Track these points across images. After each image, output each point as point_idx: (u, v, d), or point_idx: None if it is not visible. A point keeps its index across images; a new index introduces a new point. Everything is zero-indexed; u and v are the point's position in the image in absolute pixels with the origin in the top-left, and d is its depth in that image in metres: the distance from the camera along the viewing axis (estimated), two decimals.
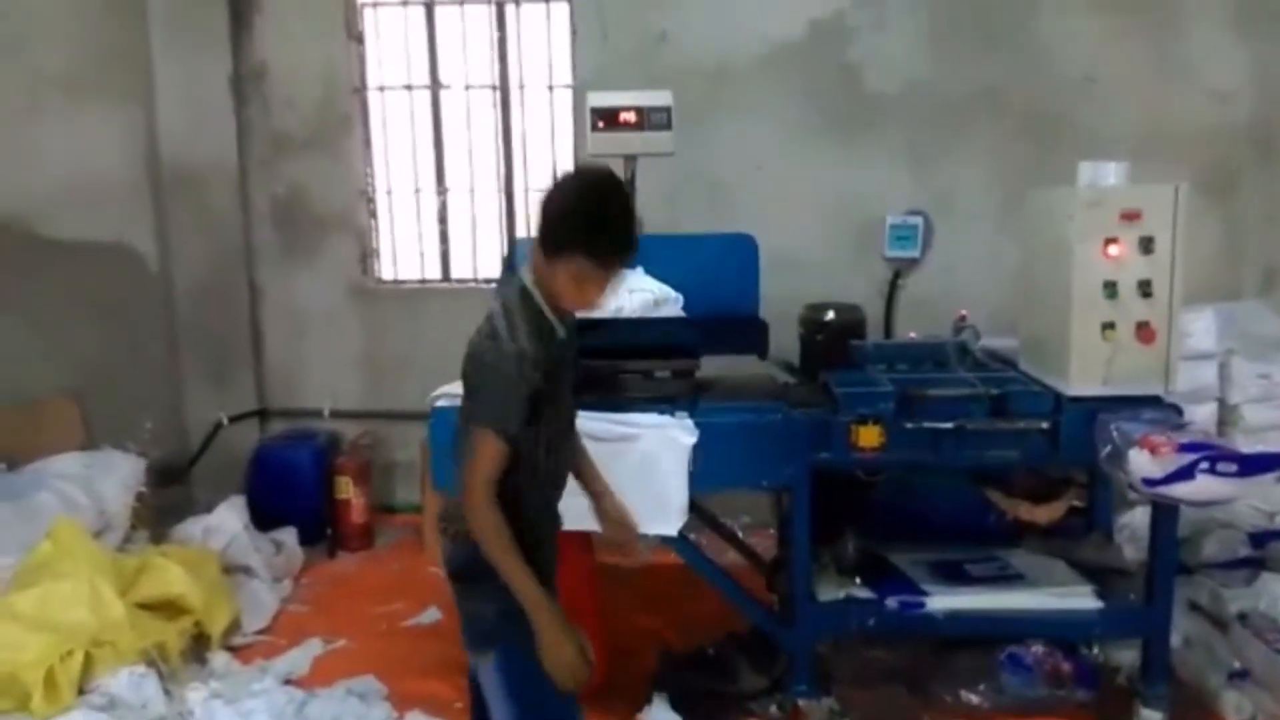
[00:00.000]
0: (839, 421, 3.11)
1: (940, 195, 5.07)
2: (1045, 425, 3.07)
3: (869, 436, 3.09)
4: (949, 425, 3.05)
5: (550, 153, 5.44)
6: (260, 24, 5.27)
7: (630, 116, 3.63)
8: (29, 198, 4.81)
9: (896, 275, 5.05)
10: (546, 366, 2.15)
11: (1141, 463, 2.72)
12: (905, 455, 3.12)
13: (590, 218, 2.13)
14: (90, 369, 4.90)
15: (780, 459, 3.14)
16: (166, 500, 4.83)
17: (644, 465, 3.13)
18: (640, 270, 3.44)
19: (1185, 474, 2.63)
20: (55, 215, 4.84)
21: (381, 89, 5.47)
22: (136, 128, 4.99)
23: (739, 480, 3.28)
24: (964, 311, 3.93)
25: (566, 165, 5.15)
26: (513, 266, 3.57)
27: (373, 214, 5.54)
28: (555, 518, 2.47)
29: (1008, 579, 3.35)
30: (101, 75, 4.89)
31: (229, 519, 4.36)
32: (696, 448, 3.12)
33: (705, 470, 3.14)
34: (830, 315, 3.91)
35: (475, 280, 5.51)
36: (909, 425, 3.07)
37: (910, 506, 3.60)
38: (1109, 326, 3.04)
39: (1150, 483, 2.68)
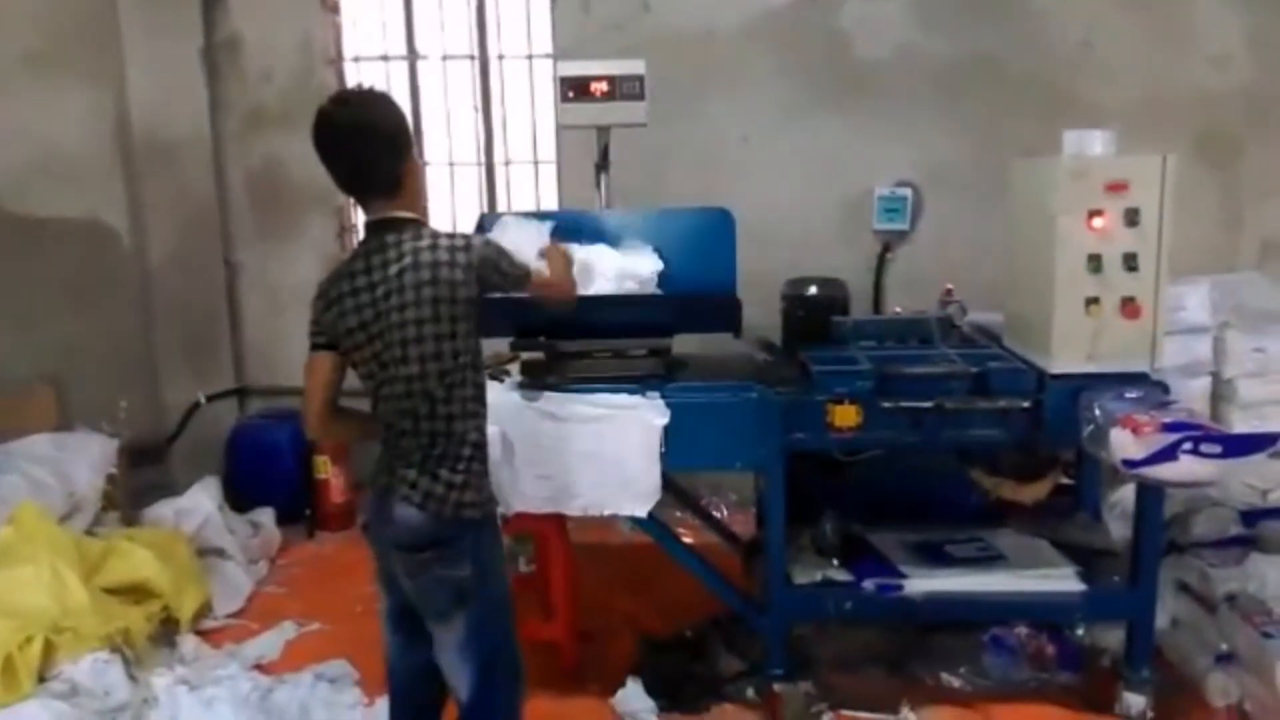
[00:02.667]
0: (814, 401, 3.02)
1: (931, 166, 4.94)
2: (1027, 404, 2.98)
3: (845, 416, 3.00)
4: (928, 404, 2.96)
5: (530, 124, 5.31)
6: None
7: (602, 86, 3.51)
8: None
9: (886, 249, 4.94)
10: None
11: (1123, 442, 2.63)
12: (883, 435, 3.04)
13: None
14: (64, 349, 4.83)
15: (754, 440, 3.05)
16: (143, 481, 4.78)
17: (615, 446, 3.06)
18: (604, 246, 3.33)
19: (1167, 454, 2.54)
20: (25, 193, 4.76)
21: (357, 60, 5.35)
22: (107, 103, 4.88)
23: (711, 462, 3.20)
24: (950, 286, 3.84)
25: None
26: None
27: None
28: None
29: (989, 560, 3.27)
30: (70, 50, 4.78)
31: (202, 500, 4.30)
32: (668, 428, 3.04)
33: (677, 451, 3.06)
34: (812, 290, 3.79)
35: None
36: (887, 405, 2.98)
37: (892, 486, 3.51)
38: (1093, 301, 2.94)
39: (1131, 464, 2.59)
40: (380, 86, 2.56)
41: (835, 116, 4.98)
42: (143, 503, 4.50)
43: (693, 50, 4.94)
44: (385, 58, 5.35)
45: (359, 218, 5.43)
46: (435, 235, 2.27)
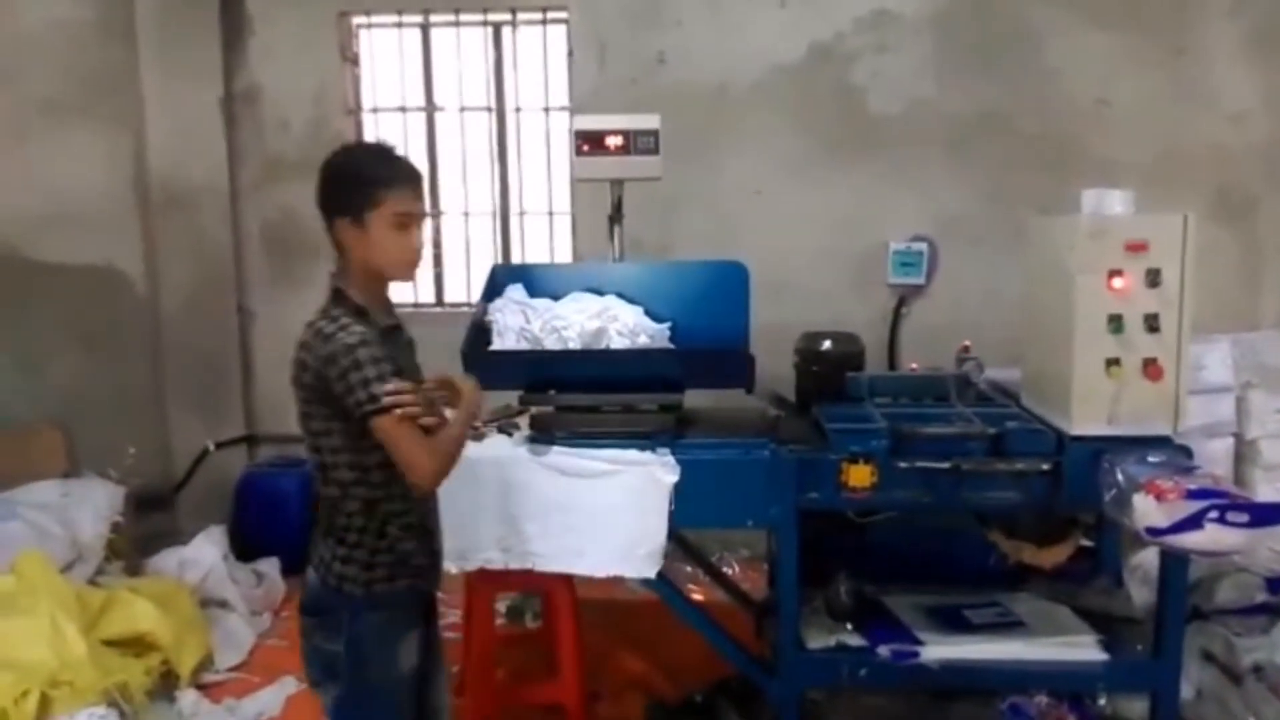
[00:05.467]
0: (828, 459, 2.96)
1: (946, 221, 4.93)
2: (1046, 466, 2.90)
3: (860, 476, 2.93)
4: (945, 465, 2.89)
5: (546, 176, 5.33)
6: (253, 45, 5.20)
7: (616, 140, 3.51)
8: (16, 222, 4.78)
9: (900, 303, 4.91)
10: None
11: (1147, 509, 2.55)
12: (898, 496, 2.96)
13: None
14: (75, 394, 4.84)
15: (766, 498, 2.98)
16: (150, 528, 4.75)
17: (623, 503, 3.00)
18: (616, 297, 3.31)
19: (1193, 523, 2.46)
20: (42, 239, 4.81)
21: (375, 110, 5.39)
22: (125, 150, 4.93)
23: (722, 520, 3.13)
24: (967, 342, 3.77)
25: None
26: (494, 292, 3.49)
27: None
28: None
29: (1008, 627, 3.17)
30: (90, 98, 4.86)
31: (206, 550, 4.24)
32: (678, 485, 2.98)
33: (687, 509, 2.99)
34: (827, 345, 3.72)
35: (469, 304, 5.40)
36: (902, 465, 2.91)
37: (908, 547, 3.43)
38: (1114, 363, 2.87)
39: (1155, 532, 2.51)
40: (394, 138, 2.54)
41: (849, 170, 4.99)
42: (148, 550, 4.46)
43: (707, 104, 4.96)
44: (403, 109, 5.38)
45: None
46: (326, 313, 2.17)
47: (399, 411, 2.07)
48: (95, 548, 4.06)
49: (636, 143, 3.50)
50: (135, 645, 3.57)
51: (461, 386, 2.35)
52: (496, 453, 3.08)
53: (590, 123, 3.56)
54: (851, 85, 4.96)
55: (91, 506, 4.15)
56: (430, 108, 5.37)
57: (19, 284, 4.72)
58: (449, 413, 2.32)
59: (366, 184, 2.18)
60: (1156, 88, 4.78)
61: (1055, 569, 3.34)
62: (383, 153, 2.27)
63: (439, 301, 5.50)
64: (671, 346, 3.29)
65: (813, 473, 2.97)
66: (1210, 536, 2.48)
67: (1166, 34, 4.77)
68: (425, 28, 5.30)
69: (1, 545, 3.73)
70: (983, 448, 2.96)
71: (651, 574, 3.01)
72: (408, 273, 2.29)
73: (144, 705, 3.37)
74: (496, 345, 3.23)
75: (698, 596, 4.32)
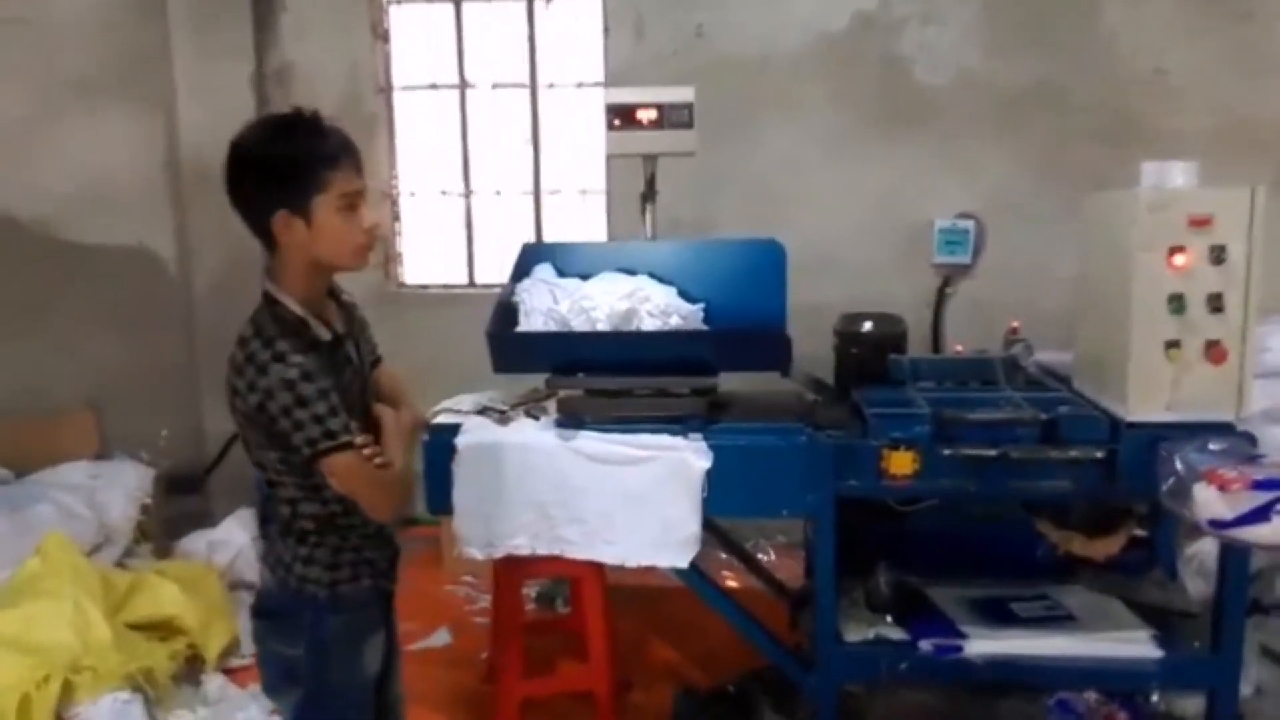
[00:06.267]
0: (868, 446, 2.83)
1: (993, 197, 4.74)
2: (1100, 454, 2.75)
3: (901, 463, 2.80)
4: (992, 452, 2.74)
5: (581, 153, 5.21)
6: (284, 23, 5.13)
7: (649, 114, 3.38)
8: (49, 201, 4.77)
9: (945, 283, 4.74)
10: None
11: (1209, 500, 2.40)
12: (942, 484, 2.82)
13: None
14: (108, 376, 4.83)
15: (802, 486, 2.86)
16: (180, 510, 4.73)
17: (653, 490, 2.89)
18: (647, 277, 3.19)
19: (1260, 515, 2.30)
20: (74, 219, 4.79)
21: (407, 88, 5.30)
22: (157, 129, 4.89)
23: (756, 509, 3.02)
24: (1016, 323, 3.61)
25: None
26: (523, 272, 3.39)
27: (396, 217, 5.38)
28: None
29: (1057, 620, 3.03)
30: (121, 77, 4.82)
31: (235, 533, 4.21)
32: (711, 472, 2.86)
33: (720, 496, 2.87)
34: (868, 326, 3.57)
35: (500, 285, 5.29)
36: (947, 452, 2.77)
37: (952, 536, 3.28)
38: (1174, 345, 2.70)
39: (1219, 524, 2.36)
40: (427, 115, 2.29)
41: (893, 144, 4.82)
42: (178, 533, 4.44)
43: (747, 77, 4.82)
44: (435, 86, 5.29)
45: (404, 249, 5.43)
46: (258, 331, 1.93)
47: (367, 451, 1.94)
48: (124, 530, 4.05)
49: (670, 116, 3.37)
50: (161, 629, 3.54)
51: (382, 415, 2.12)
52: (523, 437, 2.98)
53: (622, 96, 3.43)
54: (897, 56, 4.79)
55: (121, 489, 4.13)
56: (462, 85, 5.27)
57: (52, 265, 4.71)
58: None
59: (305, 166, 1.91)
60: (1218, 55, 4.55)
61: (1107, 560, 3.19)
62: (311, 125, 1.95)
63: (471, 282, 5.42)
64: (705, 328, 3.17)
65: (851, 460, 2.84)
66: (1278, 530, 2.32)
67: None
68: (457, 3, 5.19)
69: (30, 527, 3.72)
70: (1032, 434, 2.80)
71: (684, 563, 2.90)
72: (362, 259, 2.03)
73: (169, 690, 3.34)
74: (523, 326, 3.13)
75: (732, 584, 4.23)
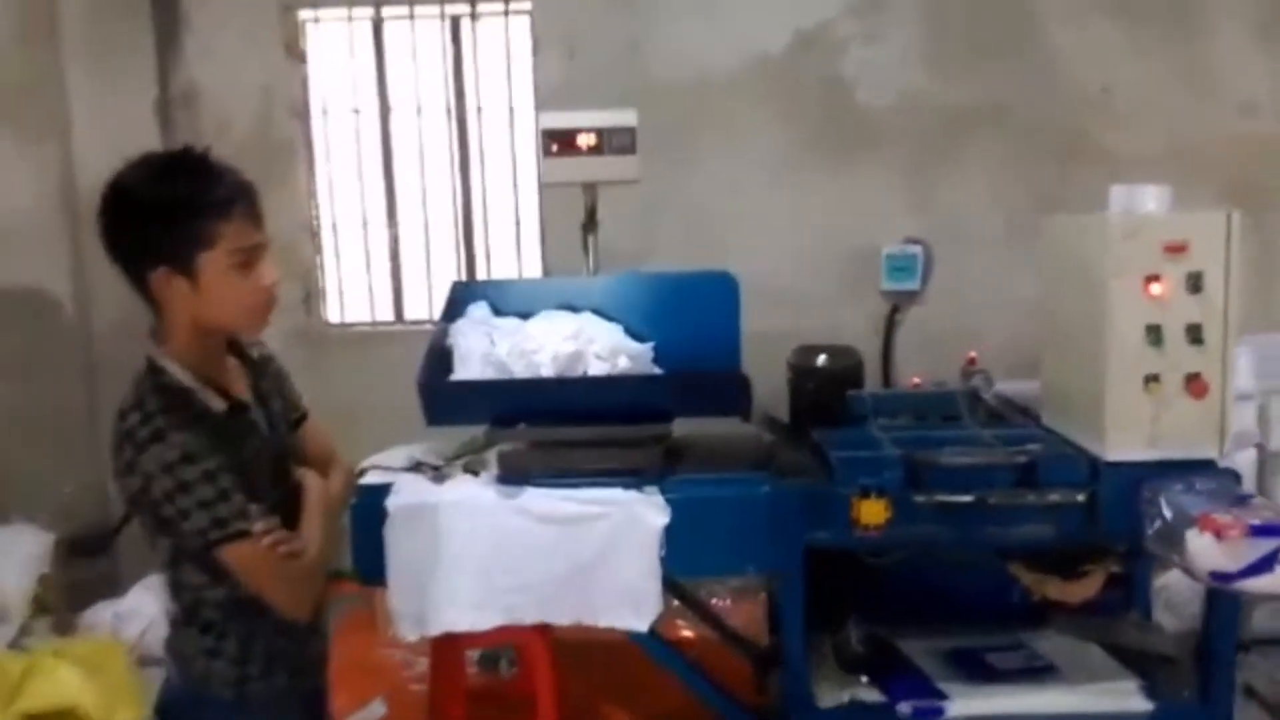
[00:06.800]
0: (837, 494, 2.62)
1: (940, 221, 4.63)
2: (1082, 497, 2.59)
3: (873, 512, 2.59)
4: (968, 499, 2.57)
5: (511, 181, 4.97)
6: (189, 43, 4.81)
7: (589, 139, 3.17)
8: None
9: (894, 310, 4.59)
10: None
11: (1205, 549, 2.24)
12: (916, 533, 2.63)
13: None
14: (1, 430, 4.41)
15: (768, 540, 2.64)
16: (85, 574, 4.34)
17: (607, 550, 2.65)
18: (591, 315, 2.97)
19: (1265, 565, 2.15)
20: None
21: (325, 112, 5.01)
22: (49, 161, 4.52)
23: (720, 567, 2.81)
24: (973, 354, 3.47)
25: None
26: (455, 312, 3.13)
27: (317, 250, 5.07)
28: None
29: (1037, 673, 2.85)
30: (7, 106, 4.43)
31: (145, 601, 3.85)
32: (669, 528, 2.63)
33: (679, 554, 2.64)
34: (822, 360, 3.41)
35: (431, 322, 5.02)
36: (920, 499, 2.59)
37: (919, 582, 3.08)
38: (1153, 379, 2.56)
39: (1223, 577, 2.20)
40: (347, 140, 2.08)
41: (837, 168, 4.69)
42: (83, 602, 4.07)
43: (685, 98, 4.65)
44: (356, 110, 5.01)
45: (325, 282, 5.12)
46: (139, 404, 1.69)
47: (268, 540, 1.69)
48: (19, 606, 3.66)
49: (611, 141, 3.17)
50: (61, 718, 3.17)
51: (306, 484, 1.89)
52: (461, 496, 2.72)
53: (559, 120, 3.21)
54: (838, 76, 4.65)
55: (16, 559, 3.76)
56: (384, 108, 5.00)
57: None
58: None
59: (190, 216, 1.66)
60: (1164, 76, 4.50)
61: (1082, 603, 3.04)
62: (199, 166, 1.73)
63: (399, 318, 5.12)
64: (658, 371, 2.94)
65: (819, 509, 2.63)
66: None
67: (1174, 18, 4.49)
68: (378, 21, 4.93)
69: None
70: (1009, 477, 2.64)
71: (644, 628, 2.67)
72: (259, 322, 1.80)
73: None
74: (459, 373, 2.87)
75: (686, 633, 4.00)
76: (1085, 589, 2.99)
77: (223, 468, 1.68)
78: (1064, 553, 2.94)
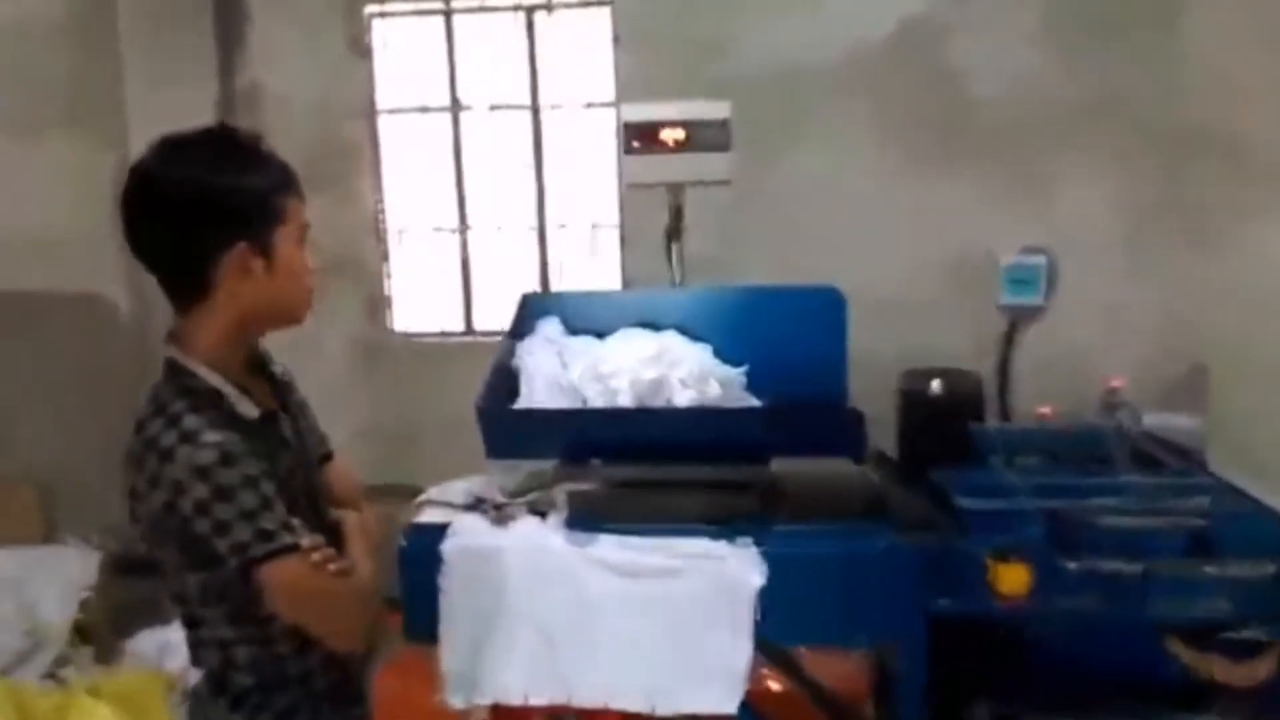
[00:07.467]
0: (968, 554, 2.21)
1: (1065, 228, 4.17)
2: (1272, 569, 2.13)
3: (1014, 579, 2.18)
4: (1135, 568, 2.13)
5: (589, 182, 4.67)
6: (252, 40, 4.62)
7: (676, 134, 2.81)
8: None
9: (1012, 329, 4.12)
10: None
11: None
12: (1063, 605, 2.21)
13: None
14: (53, 445, 4.27)
15: (884, 606, 2.24)
16: (133, 597, 4.12)
17: (691, 611, 2.26)
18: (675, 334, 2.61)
19: None
20: (12, 269, 4.25)
21: (393, 112, 4.78)
22: (106, 165, 4.34)
23: (825, 635, 2.38)
24: (1117, 382, 3.02)
25: None
26: (522, 328, 2.81)
27: (384, 256, 4.84)
28: None
29: None
30: (65, 109, 4.34)
31: None
32: (764, 589, 2.25)
33: (777, 619, 2.25)
34: (937, 386, 2.99)
35: (502, 333, 4.74)
36: (1071, 565, 2.16)
37: (1060, 655, 2.65)
38: None
39: None
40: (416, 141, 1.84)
41: (946, 169, 4.29)
42: (132, 623, 3.85)
43: (775, 93, 4.27)
44: (425, 109, 4.75)
45: (391, 290, 4.87)
46: (161, 409, 1.50)
47: (317, 556, 1.50)
48: (60, 631, 3.46)
49: (700, 137, 2.80)
50: None
51: (342, 517, 1.72)
52: (526, 541, 2.37)
53: (642, 113, 2.87)
54: (948, 67, 4.24)
55: (59, 584, 3.58)
56: (455, 107, 4.74)
57: None
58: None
59: (266, 192, 1.58)
60: None
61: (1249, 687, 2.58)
62: (243, 144, 1.63)
63: (469, 329, 4.85)
64: (749, 398, 2.56)
65: (946, 572, 2.22)
66: None
67: None
68: (448, 15, 4.68)
69: None
70: (1177, 542, 2.20)
71: (731, 708, 2.28)
72: (309, 307, 1.72)
73: None
74: (524, 399, 2.53)
75: (773, 686, 3.60)
76: (1255, 671, 2.52)
77: (264, 475, 1.49)
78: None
